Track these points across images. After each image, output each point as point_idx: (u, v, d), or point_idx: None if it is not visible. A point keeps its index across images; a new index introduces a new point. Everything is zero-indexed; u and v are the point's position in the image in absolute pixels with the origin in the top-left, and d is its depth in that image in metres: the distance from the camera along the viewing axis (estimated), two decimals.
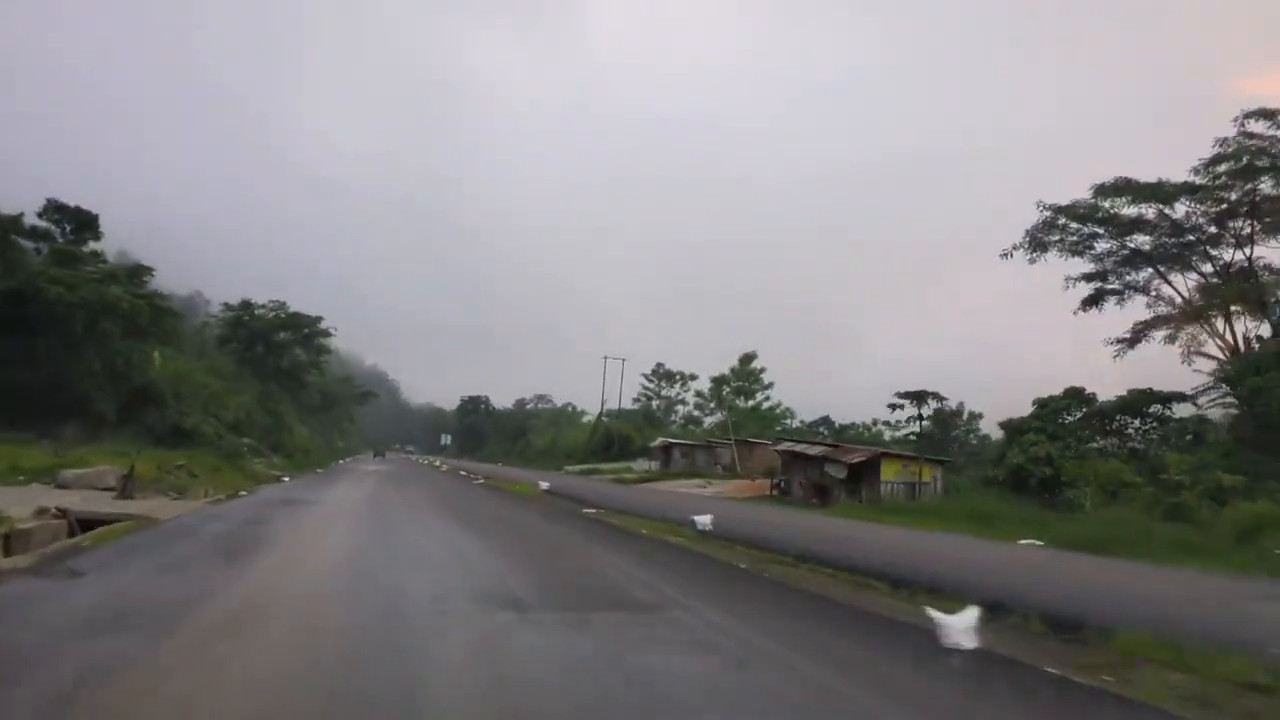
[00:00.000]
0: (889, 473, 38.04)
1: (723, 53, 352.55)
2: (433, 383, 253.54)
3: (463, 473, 65.44)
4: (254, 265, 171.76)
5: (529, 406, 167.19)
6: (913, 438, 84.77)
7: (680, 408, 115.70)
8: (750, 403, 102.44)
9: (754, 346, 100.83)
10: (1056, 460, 33.95)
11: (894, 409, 59.47)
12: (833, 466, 39.97)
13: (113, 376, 52.77)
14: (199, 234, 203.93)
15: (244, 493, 33.17)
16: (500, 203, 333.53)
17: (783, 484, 45.69)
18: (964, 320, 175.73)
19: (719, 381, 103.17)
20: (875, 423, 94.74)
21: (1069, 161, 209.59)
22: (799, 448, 45.25)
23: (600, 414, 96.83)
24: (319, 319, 79.59)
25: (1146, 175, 40.44)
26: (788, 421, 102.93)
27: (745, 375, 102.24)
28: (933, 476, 38.21)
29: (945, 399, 59.92)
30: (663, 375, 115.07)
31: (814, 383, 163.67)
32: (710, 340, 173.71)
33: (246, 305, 76.32)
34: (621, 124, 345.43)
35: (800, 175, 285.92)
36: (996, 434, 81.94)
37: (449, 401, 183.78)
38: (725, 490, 48.91)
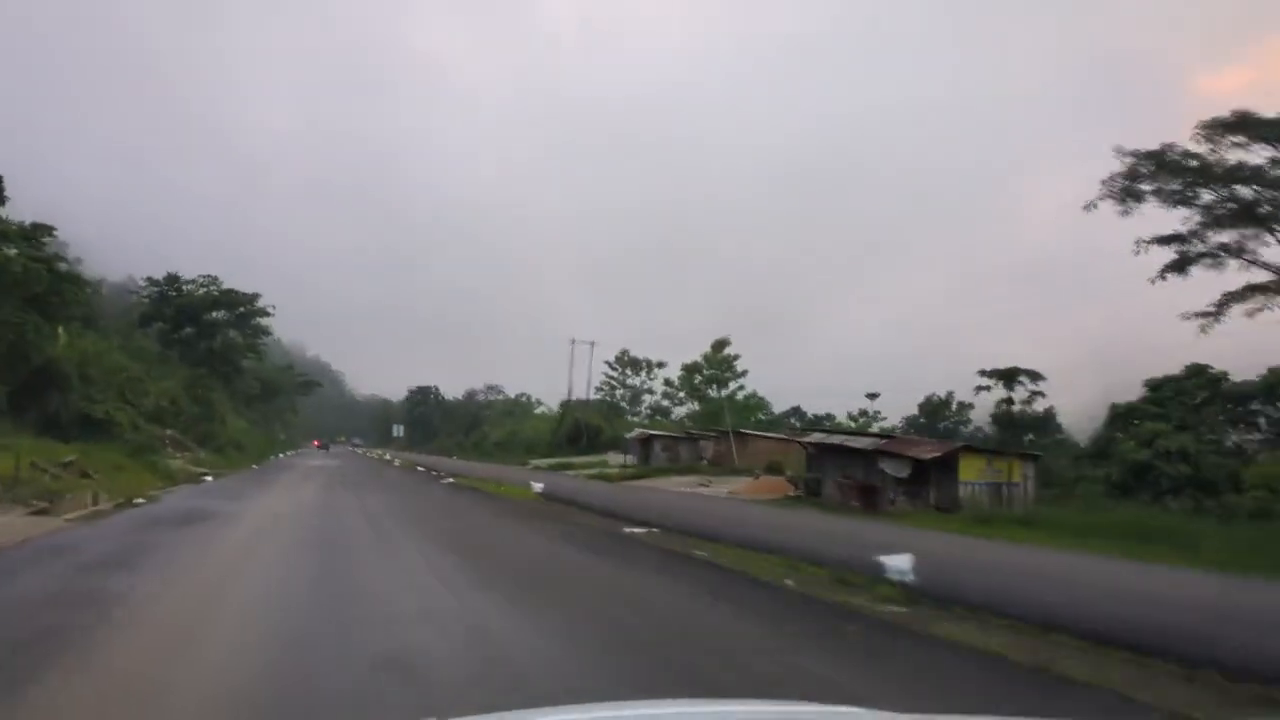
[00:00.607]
0: (969, 471, 29.91)
1: (678, 20, 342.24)
2: (378, 374, 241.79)
3: (420, 468, 56.17)
4: (187, 251, 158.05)
5: (479, 397, 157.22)
6: (897, 430, 77.48)
7: (648, 397, 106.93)
8: (724, 392, 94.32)
9: (714, 333, 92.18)
10: (1195, 456, 26.13)
11: (980, 390, 51.10)
12: (890, 463, 31.80)
13: (5, 355, 43.06)
14: (124, 217, 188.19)
15: (142, 500, 24.19)
16: (443, 188, 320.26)
17: (809, 483, 37.48)
18: (922, 304, 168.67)
19: (691, 369, 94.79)
20: (862, 414, 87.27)
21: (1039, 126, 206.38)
22: (835, 439, 36.98)
23: (567, 402, 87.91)
24: (255, 296, 69.36)
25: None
26: (761, 413, 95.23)
27: (718, 363, 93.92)
28: (1023, 476, 30.19)
29: (1042, 377, 51.66)
30: (627, 363, 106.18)
31: (777, 372, 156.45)
32: (670, 327, 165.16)
33: (173, 279, 66.02)
34: (568, 102, 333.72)
35: (756, 149, 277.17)
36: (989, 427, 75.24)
37: (396, 393, 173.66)
38: (738, 490, 40.59)
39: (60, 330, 48.13)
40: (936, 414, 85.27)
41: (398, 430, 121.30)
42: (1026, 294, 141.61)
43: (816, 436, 38.68)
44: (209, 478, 35.79)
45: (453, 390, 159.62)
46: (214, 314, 68.26)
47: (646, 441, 65.64)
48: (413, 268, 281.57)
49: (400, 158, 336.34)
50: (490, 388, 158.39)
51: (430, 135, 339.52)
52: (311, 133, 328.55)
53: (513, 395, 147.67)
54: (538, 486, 29.48)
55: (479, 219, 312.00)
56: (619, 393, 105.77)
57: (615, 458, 69.13)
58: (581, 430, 79.52)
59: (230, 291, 68.02)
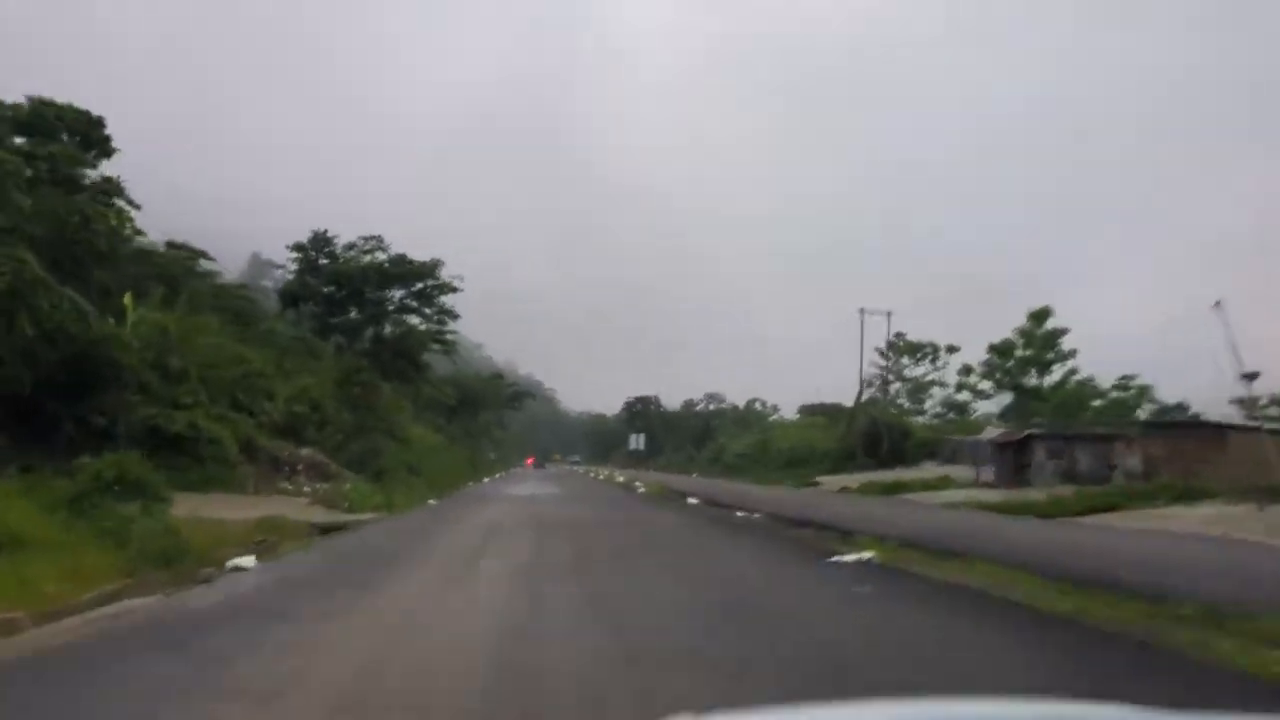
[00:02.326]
0: None
1: None
2: (588, 389, 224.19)
3: (692, 499, 32.26)
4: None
5: (698, 407, 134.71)
6: None
7: (937, 390, 79.02)
8: (1047, 378, 66.73)
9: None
10: None
11: None
12: None
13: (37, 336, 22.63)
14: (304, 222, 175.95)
15: None
16: (646, 193, 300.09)
17: None
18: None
19: (1002, 350, 67.52)
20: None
21: None
22: None
23: (859, 396, 62.55)
24: (437, 264, 47.79)
25: None
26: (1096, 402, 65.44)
27: (1038, 340, 66.21)
28: None
29: None
30: (904, 349, 79.10)
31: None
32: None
33: (322, 241, 45.34)
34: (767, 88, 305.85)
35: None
36: None
37: (608, 408, 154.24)
38: None
39: (127, 300, 27.31)
40: None
41: (635, 441, 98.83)
42: None
43: None
44: (249, 561, 13.14)
45: (669, 401, 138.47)
46: (384, 292, 47.34)
47: (1023, 444, 39.32)
48: (620, 279, 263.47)
49: (605, 175, 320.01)
50: (710, 396, 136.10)
51: (625, 135, 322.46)
52: (507, 143, 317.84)
53: (739, 404, 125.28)
54: None
55: (684, 223, 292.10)
56: (893, 386, 79.28)
57: (960, 472, 43.60)
58: (881, 434, 54.04)
59: (402, 259, 46.84)
